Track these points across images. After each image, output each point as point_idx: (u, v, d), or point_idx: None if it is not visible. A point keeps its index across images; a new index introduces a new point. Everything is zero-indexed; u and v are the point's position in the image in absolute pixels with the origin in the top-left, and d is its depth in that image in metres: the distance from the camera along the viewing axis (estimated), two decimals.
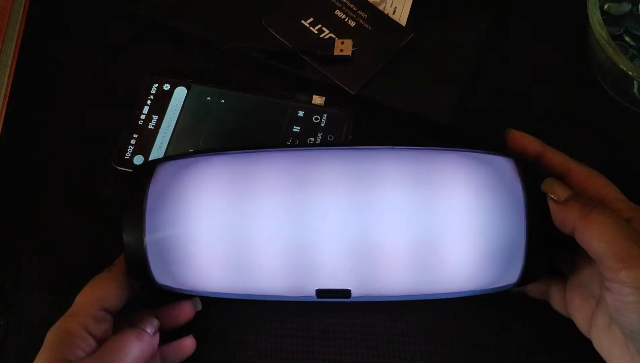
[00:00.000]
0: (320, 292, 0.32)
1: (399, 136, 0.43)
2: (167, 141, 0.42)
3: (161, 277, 0.33)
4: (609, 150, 0.42)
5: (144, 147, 0.42)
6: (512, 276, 0.32)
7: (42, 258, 0.41)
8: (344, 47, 0.44)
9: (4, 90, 0.45)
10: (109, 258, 0.36)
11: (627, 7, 0.43)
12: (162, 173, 0.34)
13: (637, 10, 0.42)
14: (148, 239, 0.32)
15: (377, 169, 0.32)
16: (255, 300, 0.35)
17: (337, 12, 0.46)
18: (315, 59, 0.44)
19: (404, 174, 0.32)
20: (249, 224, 0.31)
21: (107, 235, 0.39)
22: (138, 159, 0.41)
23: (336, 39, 0.44)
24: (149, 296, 0.37)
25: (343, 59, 0.44)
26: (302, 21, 0.45)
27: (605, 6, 0.43)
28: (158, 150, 0.42)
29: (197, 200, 0.32)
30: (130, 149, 0.42)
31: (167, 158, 0.35)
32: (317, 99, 0.43)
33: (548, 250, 0.32)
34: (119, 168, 0.41)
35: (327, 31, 0.45)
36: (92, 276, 0.39)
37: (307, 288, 0.32)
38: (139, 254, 0.32)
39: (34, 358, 0.31)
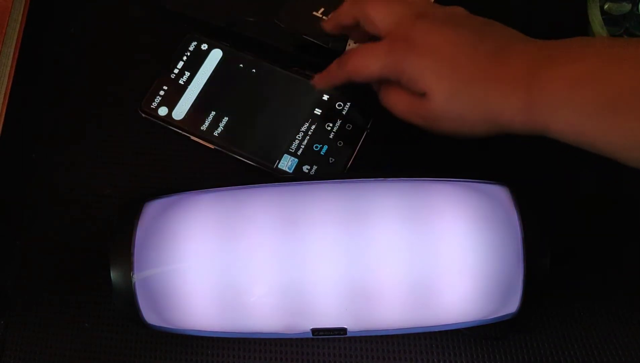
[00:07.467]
0: (316, 331, 0.32)
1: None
2: (193, 99, 0.42)
3: (151, 317, 0.32)
4: None
5: (171, 100, 0.43)
6: (511, 305, 0.32)
7: (42, 258, 0.41)
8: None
9: (4, 90, 0.45)
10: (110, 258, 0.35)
11: (627, 7, 0.42)
12: (150, 211, 0.33)
13: (637, 10, 0.42)
14: (137, 277, 0.31)
15: (371, 204, 0.31)
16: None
17: None
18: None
19: (398, 209, 0.31)
20: (241, 263, 0.30)
21: (107, 235, 0.39)
22: (162, 111, 0.42)
23: None
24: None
25: None
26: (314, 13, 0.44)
27: (606, 6, 0.42)
28: (182, 106, 0.42)
29: (187, 238, 0.31)
30: (158, 99, 0.42)
31: (155, 195, 0.34)
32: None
33: (547, 276, 0.31)
34: (143, 115, 0.42)
35: None
36: (92, 277, 0.39)
37: (302, 326, 0.32)
38: (127, 292, 0.31)
39: (34, 359, 0.30)
